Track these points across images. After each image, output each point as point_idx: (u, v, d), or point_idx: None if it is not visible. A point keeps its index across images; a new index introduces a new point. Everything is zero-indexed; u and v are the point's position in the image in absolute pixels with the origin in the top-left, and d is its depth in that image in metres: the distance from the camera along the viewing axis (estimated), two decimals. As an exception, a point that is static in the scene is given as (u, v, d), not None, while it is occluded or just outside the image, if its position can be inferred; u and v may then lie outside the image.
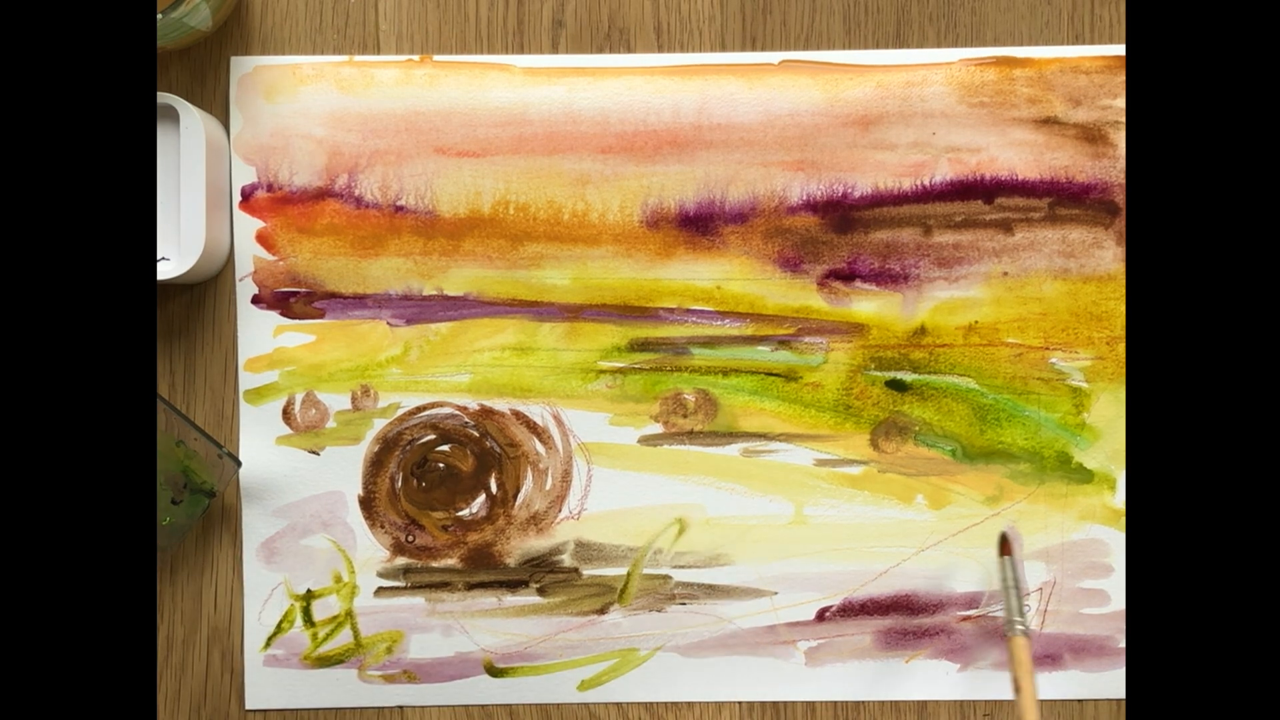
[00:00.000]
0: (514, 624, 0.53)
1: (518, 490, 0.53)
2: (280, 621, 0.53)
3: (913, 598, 0.53)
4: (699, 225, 0.53)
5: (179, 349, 0.53)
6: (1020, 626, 0.48)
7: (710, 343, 0.53)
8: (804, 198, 0.53)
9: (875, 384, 0.53)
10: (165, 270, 0.50)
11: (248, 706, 0.53)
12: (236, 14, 0.53)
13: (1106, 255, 0.53)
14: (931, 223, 0.53)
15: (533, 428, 0.53)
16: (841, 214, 0.53)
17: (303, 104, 0.53)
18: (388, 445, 0.53)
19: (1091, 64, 0.53)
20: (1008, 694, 0.53)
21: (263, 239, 0.53)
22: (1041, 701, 0.53)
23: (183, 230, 0.50)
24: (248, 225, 0.53)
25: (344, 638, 0.53)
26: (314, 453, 0.53)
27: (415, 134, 0.53)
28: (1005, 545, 0.51)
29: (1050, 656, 0.53)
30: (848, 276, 0.53)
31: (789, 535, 0.53)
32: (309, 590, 0.53)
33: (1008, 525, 0.52)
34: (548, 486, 0.53)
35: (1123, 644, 0.53)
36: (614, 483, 0.53)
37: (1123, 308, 0.53)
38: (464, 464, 0.53)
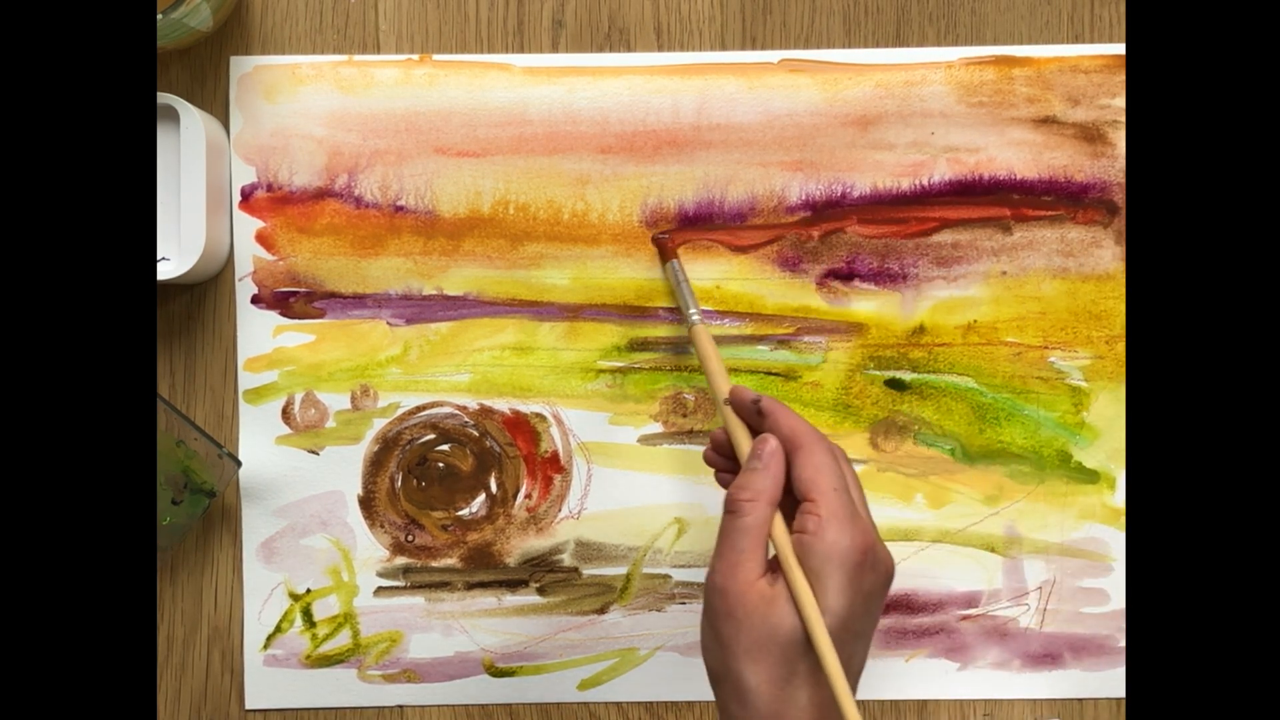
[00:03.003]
0: (514, 624, 0.53)
1: (517, 490, 0.53)
2: (280, 621, 0.53)
3: (912, 597, 0.53)
4: (698, 225, 0.53)
5: (179, 349, 0.53)
6: (696, 316, 0.49)
7: (710, 342, 0.53)
8: (803, 197, 0.53)
9: (874, 383, 0.53)
10: (165, 270, 0.50)
11: (248, 706, 0.53)
12: (236, 14, 0.53)
13: (1105, 254, 0.53)
14: (930, 222, 0.53)
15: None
16: (840, 213, 0.53)
17: (303, 104, 0.53)
18: (387, 445, 0.53)
19: (1091, 63, 0.53)
20: (1008, 694, 0.53)
21: (263, 239, 0.53)
22: (1041, 700, 0.53)
23: (183, 230, 0.50)
24: (248, 225, 0.53)
25: (344, 638, 0.53)
26: (314, 452, 0.53)
27: (415, 134, 0.53)
28: (666, 251, 0.52)
29: (1050, 655, 0.53)
30: (846, 276, 0.53)
31: (789, 535, 0.53)
32: (309, 590, 0.53)
33: (658, 234, 0.52)
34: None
35: (1123, 643, 0.53)
36: (614, 482, 0.53)
37: (1122, 306, 0.53)
38: (464, 463, 0.53)
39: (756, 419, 0.43)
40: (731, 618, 0.40)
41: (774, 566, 0.41)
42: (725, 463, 0.46)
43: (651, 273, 0.53)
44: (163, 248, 0.50)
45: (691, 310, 0.49)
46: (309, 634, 0.53)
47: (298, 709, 0.53)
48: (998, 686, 0.53)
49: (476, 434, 0.53)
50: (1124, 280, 0.53)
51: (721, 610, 0.40)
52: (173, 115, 0.50)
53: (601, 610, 0.53)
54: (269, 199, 0.53)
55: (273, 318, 0.53)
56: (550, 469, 0.53)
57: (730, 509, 0.41)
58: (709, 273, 0.53)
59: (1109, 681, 0.53)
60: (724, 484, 0.46)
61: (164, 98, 0.50)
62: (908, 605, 0.53)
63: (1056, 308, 0.53)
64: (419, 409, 0.53)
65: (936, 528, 0.53)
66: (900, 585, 0.53)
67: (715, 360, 0.47)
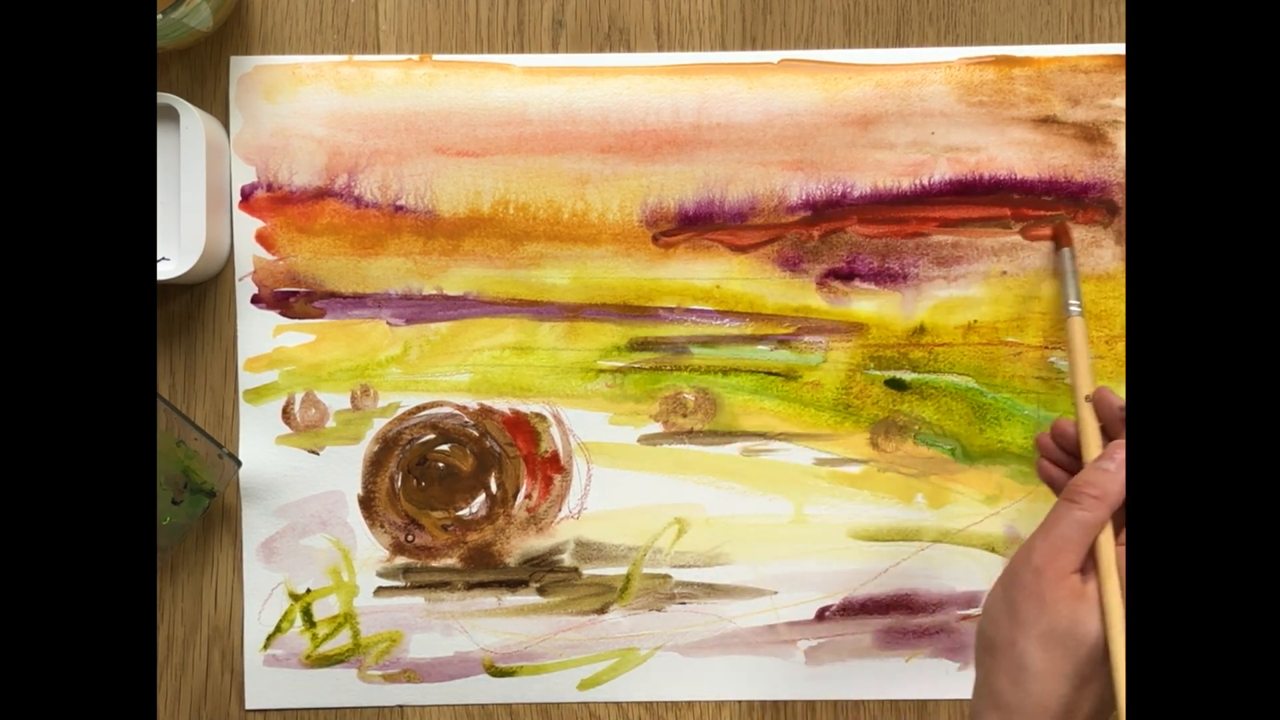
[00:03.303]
0: (514, 624, 0.53)
1: (517, 490, 0.53)
2: (280, 621, 0.53)
3: (913, 597, 0.53)
4: (698, 225, 0.53)
5: (179, 349, 0.53)
6: (1076, 308, 0.49)
7: (710, 342, 0.53)
8: (803, 197, 0.53)
9: (874, 383, 0.53)
10: (165, 270, 0.50)
11: (248, 706, 0.53)
12: (236, 14, 0.53)
13: (1105, 254, 0.53)
14: (930, 221, 0.53)
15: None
16: (840, 213, 0.53)
17: (303, 104, 0.53)
18: (387, 445, 0.53)
19: (1091, 63, 0.53)
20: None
21: (263, 239, 0.53)
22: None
23: (183, 230, 0.50)
24: (248, 225, 0.53)
25: (344, 638, 0.53)
26: (314, 452, 0.53)
27: (415, 134, 0.53)
28: (1065, 236, 0.51)
29: (1050, 655, 0.53)
30: (847, 276, 0.53)
31: (789, 534, 0.53)
32: (309, 590, 0.53)
33: (1059, 222, 0.52)
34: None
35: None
36: (614, 482, 0.53)
37: (1122, 306, 0.53)
38: (464, 463, 0.53)
39: (1116, 425, 0.45)
40: (1037, 598, 0.40)
41: (1087, 568, 0.41)
42: (1060, 455, 0.47)
43: (651, 272, 0.53)
44: (163, 248, 0.50)
45: (1073, 301, 0.49)
46: (309, 634, 0.53)
47: (298, 709, 0.53)
48: (998, 686, 0.53)
49: (476, 434, 0.53)
50: (1124, 280, 0.53)
51: (1030, 588, 0.41)
52: (173, 115, 0.50)
53: (601, 610, 0.53)
54: (269, 199, 0.53)
55: (273, 318, 0.53)
56: (550, 469, 0.53)
57: (1072, 499, 0.42)
58: (709, 272, 0.53)
59: (1109, 681, 0.53)
60: (1045, 473, 0.47)
61: (164, 98, 0.50)
62: (908, 605, 0.53)
63: (1057, 307, 0.53)
64: (419, 409, 0.53)
65: (937, 528, 0.53)
66: (900, 585, 0.53)
67: (1085, 356, 0.47)
